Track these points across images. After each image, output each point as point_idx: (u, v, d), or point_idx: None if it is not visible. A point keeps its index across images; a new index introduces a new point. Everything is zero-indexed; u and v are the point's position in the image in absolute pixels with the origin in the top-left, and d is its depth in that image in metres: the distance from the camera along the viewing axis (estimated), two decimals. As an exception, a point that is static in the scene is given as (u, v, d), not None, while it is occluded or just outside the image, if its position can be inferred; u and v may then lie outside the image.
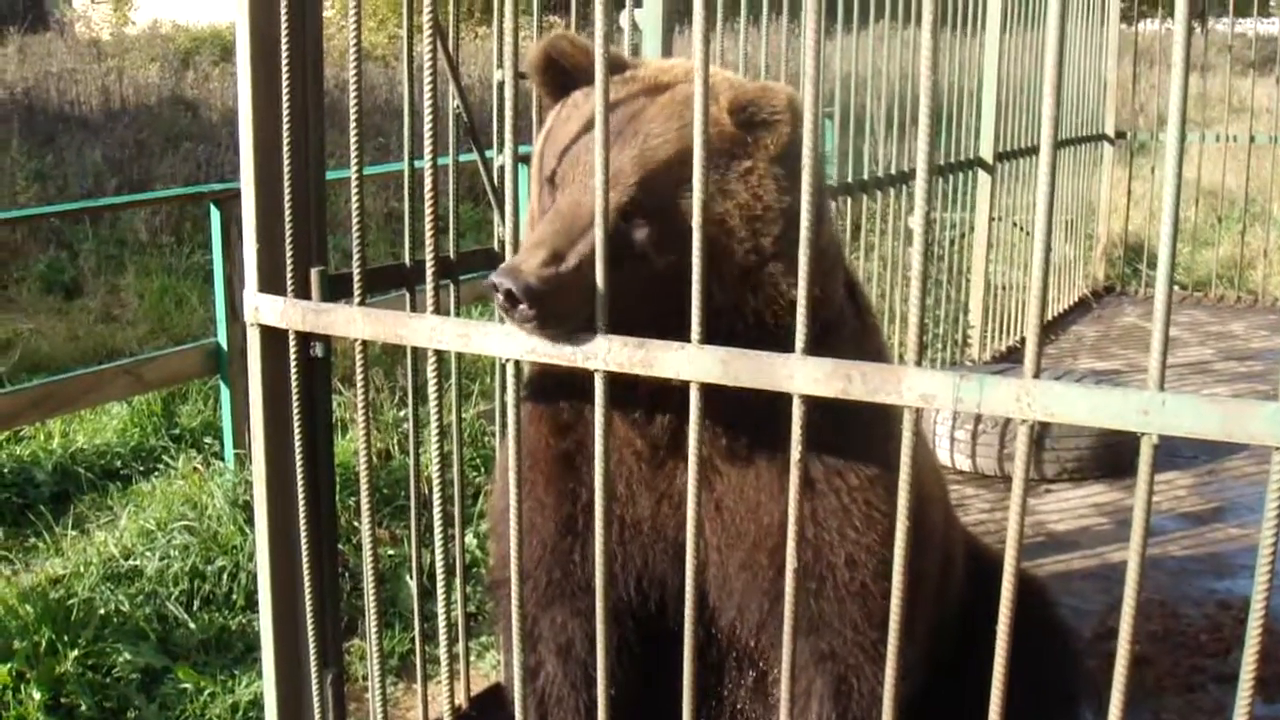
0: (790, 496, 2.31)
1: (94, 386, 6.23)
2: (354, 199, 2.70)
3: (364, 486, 2.89)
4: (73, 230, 12.57)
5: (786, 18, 5.41)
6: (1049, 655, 3.53)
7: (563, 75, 2.77)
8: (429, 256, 2.62)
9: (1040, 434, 6.44)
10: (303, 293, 2.90)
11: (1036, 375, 2.10)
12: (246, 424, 6.86)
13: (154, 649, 5.00)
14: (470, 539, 5.95)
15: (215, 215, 6.59)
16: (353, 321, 2.73)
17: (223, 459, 6.83)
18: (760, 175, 2.61)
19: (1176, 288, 11.29)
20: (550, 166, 2.66)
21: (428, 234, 2.62)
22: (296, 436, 2.96)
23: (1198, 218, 11.71)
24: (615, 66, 2.71)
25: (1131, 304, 11.15)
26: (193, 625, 5.24)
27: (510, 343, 2.51)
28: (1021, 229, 8.96)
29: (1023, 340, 9.32)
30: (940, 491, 3.52)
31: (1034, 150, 9.43)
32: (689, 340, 2.32)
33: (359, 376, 2.77)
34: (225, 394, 6.76)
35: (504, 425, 3.34)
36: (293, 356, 2.90)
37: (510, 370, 2.55)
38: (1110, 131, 11.25)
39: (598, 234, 2.35)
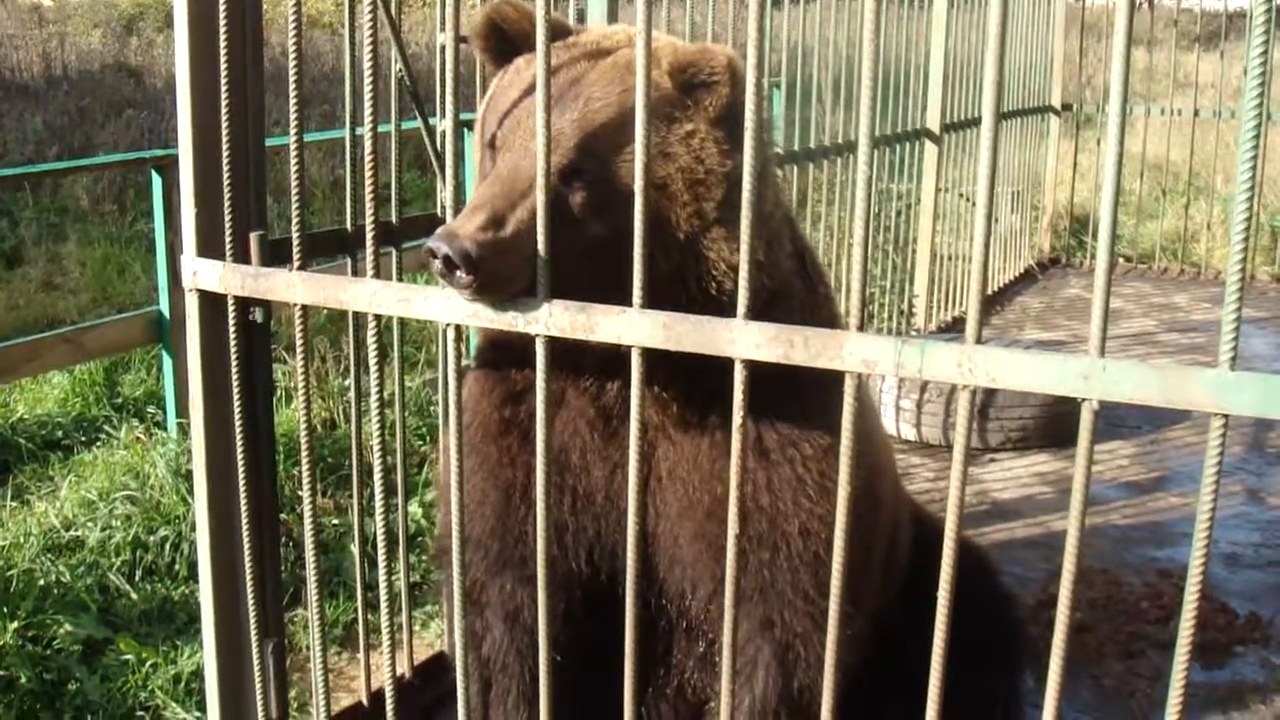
0: (732, 461, 2.31)
1: (33, 355, 6.13)
2: (293, 162, 2.66)
3: (304, 455, 2.86)
4: (12, 198, 12.37)
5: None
6: (991, 622, 3.55)
7: (506, 41, 2.75)
8: (368, 221, 2.59)
9: (985, 403, 6.48)
10: (242, 258, 2.87)
11: (978, 341, 2.09)
12: (189, 393, 6.85)
13: (95, 620, 4.94)
14: (415, 508, 5.93)
15: (157, 181, 6.51)
16: (292, 286, 2.69)
17: (165, 428, 6.76)
18: (701, 138, 2.60)
19: (1121, 260, 11.41)
20: (491, 131, 2.65)
21: (367, 199, 2.59)
22: (236, 403, 2.94)
23: (1142, 191, 11.78)
24: (558, 32, 2.70)
25: (1076, 275, 11.25)
26: (135, 596, 5.18)
27: (450, 307, 2.49)
28: (967, 199, 9.00)
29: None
30: (889, 461, 3.53)
31: (979, 121, 9.48)
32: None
33: (298, 342, 2.73)
34: (168, 363, 6.68)
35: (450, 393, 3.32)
36: (231, 322, 2.86)
37: (450, 335, 2.52)
38: (1057, 104, 11.32)
39: (540, 197, 2.33)
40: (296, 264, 2.69)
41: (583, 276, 2.49)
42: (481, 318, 2.47)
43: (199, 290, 2.90)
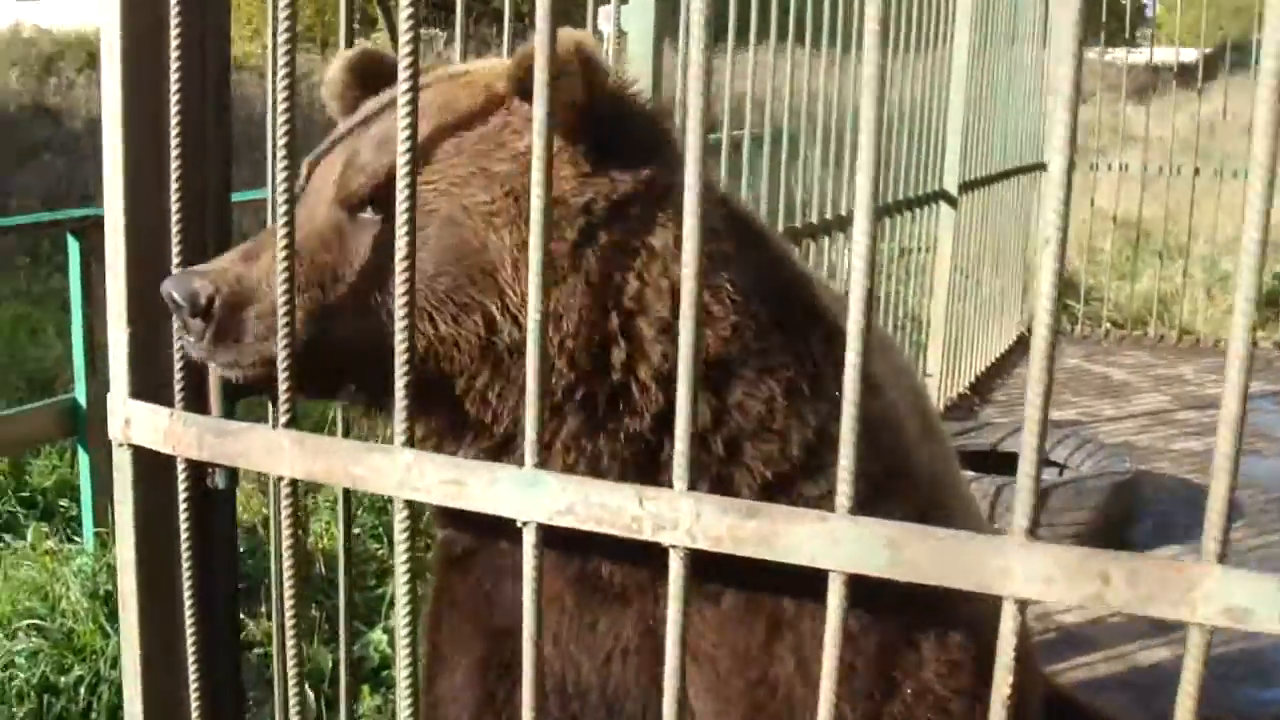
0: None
1: (-85, 455, 5.09)
2: (280, 256, 1.75)
3: (289, 684, 1.94)
4: (-89, 249, 11.29)
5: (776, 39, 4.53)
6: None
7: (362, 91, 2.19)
8: (399, 346, 1.68)
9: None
10: (196, 399, 1.97)
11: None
12: (110, 499, 5.84)
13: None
14: (378, 634, 5.03)
15: (73, 246, 5.49)
16: (277, 450, 1.79)
17: (80, 536, 5.73)
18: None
19: (1110, 325, 10.78)
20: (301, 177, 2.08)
21: (399, 315, 1.69)
22: (186, 594, 2.01)
23: (1113, 250, 11.23)
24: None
25: (1070, 343, 10.55)
26: (42, 757, 4.21)
27: (533, 498, 1.60)
28: (964, 275, 8.14)
29: (973, 387, 8.60)
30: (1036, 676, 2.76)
31: (999, 177, 8.74)
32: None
33: (283, 538, 1.82)
34: (84, 460, 5.64)
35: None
36: (182, 491, 1.95)
37: (530, 541, 1.63)
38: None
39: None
40: (284, 415, 1.78)
41: (370, 350, 1.87)
42: (579, 515, 1.59)
43: (133, 446, 1.98)
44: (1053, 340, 1.43)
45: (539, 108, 1.51)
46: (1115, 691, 4.57)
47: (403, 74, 1.61)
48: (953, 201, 7.32)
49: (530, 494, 1.61)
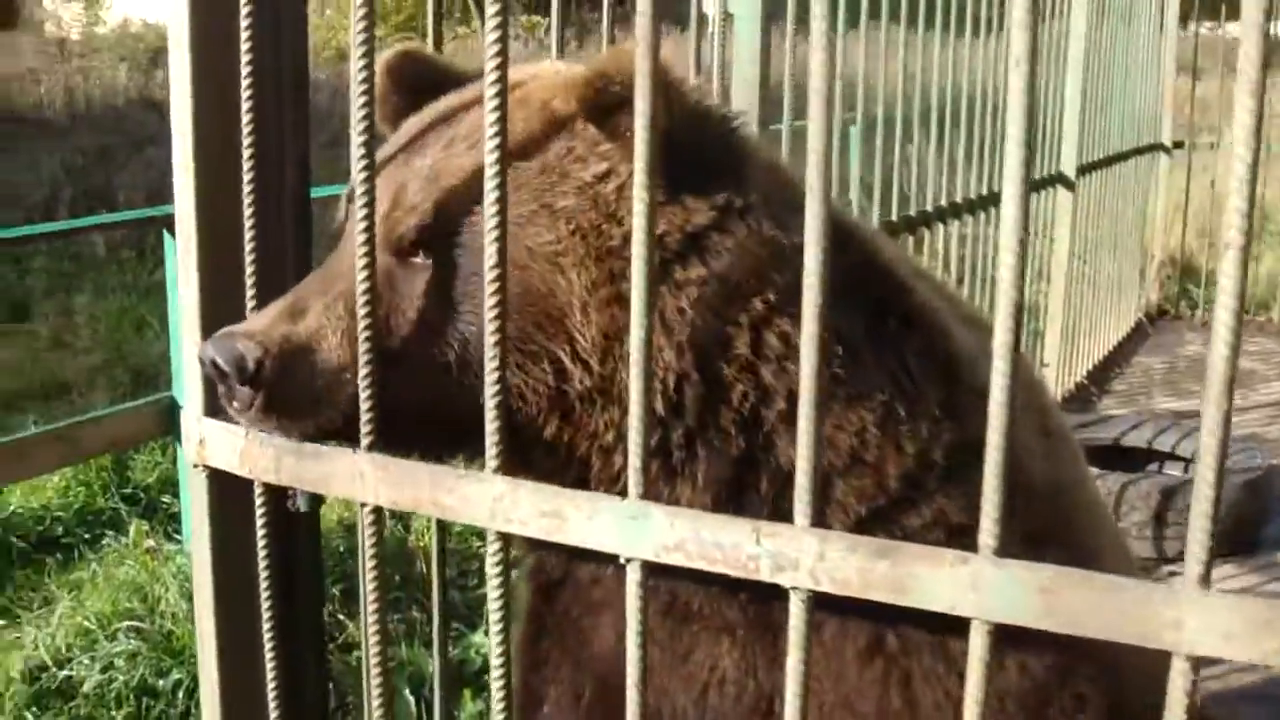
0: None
1: (19, 456, 5.04)
2: (360, 276, 1.61)
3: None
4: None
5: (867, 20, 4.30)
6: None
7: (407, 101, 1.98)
8: (490, 372, 1.53)
9: (1161, 508, 5.41)
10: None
11: None
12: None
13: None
14: (479, 637, 4.92)
15: (170, 245, 5.43)
16: (359, 476, 1.64)
17: (179, 536, 5.69)
18: (620, 185, 1.73)
19: (1233, 311, 10.35)
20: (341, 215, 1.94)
21: (490, 341, 1.53)
22: (266, 630, 1.89)
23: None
24: (458, 78, 1.99)
25: (1191, 330, 10.16)
26: (141, 763, 4.16)
27: (640, 533, 1.45)
28: (1081, 260, 7.81)
29: (1090, 377, 8.28)
30: None
31: (1116, 159, 8.40)
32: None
33: (368, 568, 1.68)
34: (183, 458, 5.60)
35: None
36: (260, 516, 1.82)
37: (633, 580, 1.46)
38: (1168, 141, 10.24)
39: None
40: (366, 439, 1.63)
41: (429, 406, 1.75)
42: (689, 553, 1.43)
43: (208, 468, 1.86)
44: (1234, 360, 1.25)
45: (641, 146, 1.35)
46: (1254, 704, 4.33)
47: (490, 102, 1.45)
48: (1070, 185, 7.02)
49: (635, 528, 1.45)
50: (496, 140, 1.45)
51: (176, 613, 4.87)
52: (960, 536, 1.83)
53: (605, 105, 1.71)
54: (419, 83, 1.95)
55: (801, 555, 1.37)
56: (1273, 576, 5.34)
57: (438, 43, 2.29)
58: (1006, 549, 1.47)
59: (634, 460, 1.43)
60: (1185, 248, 10.70)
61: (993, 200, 5.65)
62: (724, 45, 3.09)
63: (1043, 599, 1.29)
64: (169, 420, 5.50)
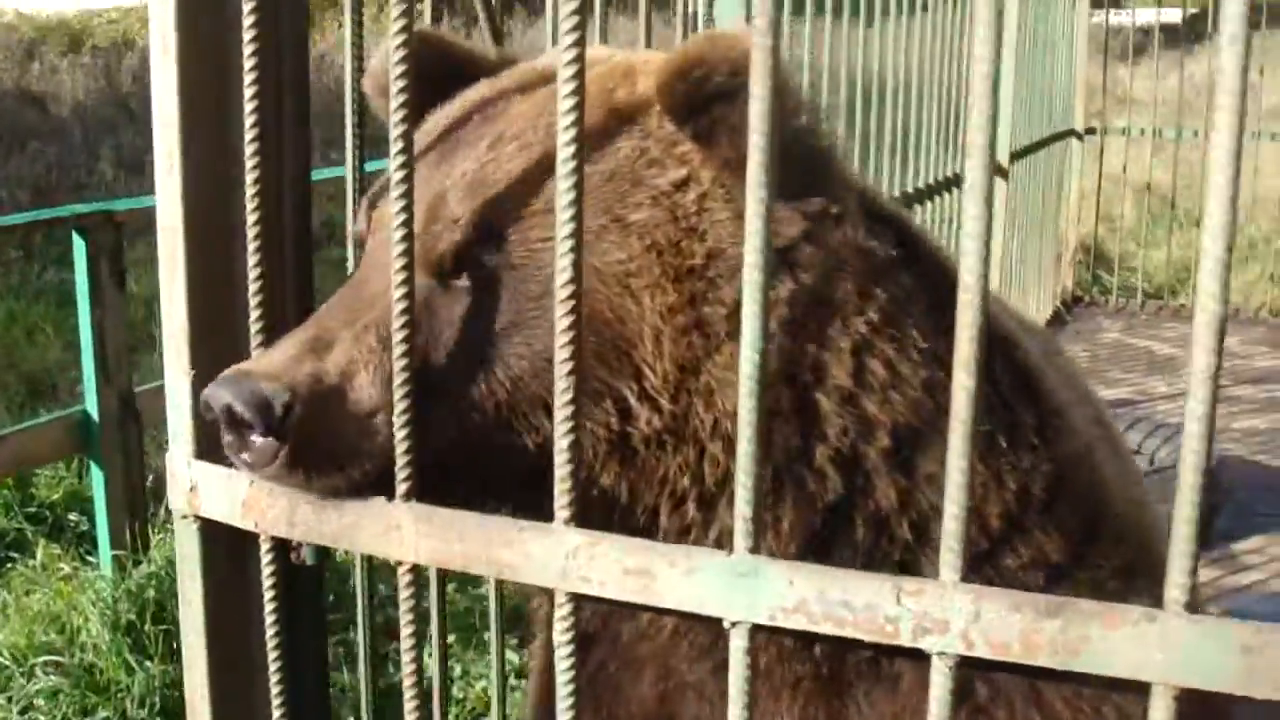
0: None
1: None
2: (397, 301, 1.37)
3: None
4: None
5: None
6: None
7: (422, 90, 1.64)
8: (563, 408, 1.31)
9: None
10: (284, 458, 1.58)
11: None
12: (127, 517, 5.45)
13: None
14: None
15: (79, 245, 5.07)
16: (395, 529, 1.41)
17: (95, 558, 5.32)
18: (702, 194, 1.54)
19: (1141, 296, 10.42)
20: (362, 226, 1.70)
21: (561, 360, 1.31)
22: (274, 686, 1.63)
23: (1141, 217, 10.87)
24: (484, 66, 1.77)
25: (1106, 316, 10.20)
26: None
27: (750, 590, 1.24)
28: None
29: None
30: None
31: (1038, 145, 8.38)
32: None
33: (404, 629, 1.45)
34: (97, 476, 5.23)
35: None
36: (266, 575, 1.57)
37: (739, 660, 1.25)
38: (1079, 128, 10.25)
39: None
40: (403, 485, 1.40)
41: (470, 452, 1.52)
42: (813, 615, 1.22)
43: (200, 518, 1.60)
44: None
45: (758, 153, 1.15)
46: None
47: (565, 91, 1.23)
48: (1004, 173, 6.96)
49: (745, 587, 1.24)
50: (572, 142, 1.22)
51: (99, 644, 4.53)
52: (1060, 580, 1.65)
53: (699, 99, 1.49)
54: (438, 69, 1.69)
55: (952, 616, 1.18)
56: (1230, 569, 5.29)
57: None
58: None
59: (742, 508, 1.23)
60: (1097, 234, 10.73)
61: (937, 190, 5.54)
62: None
63: (1245, 659, 1.12)
64: (81, 436, 5.15)
